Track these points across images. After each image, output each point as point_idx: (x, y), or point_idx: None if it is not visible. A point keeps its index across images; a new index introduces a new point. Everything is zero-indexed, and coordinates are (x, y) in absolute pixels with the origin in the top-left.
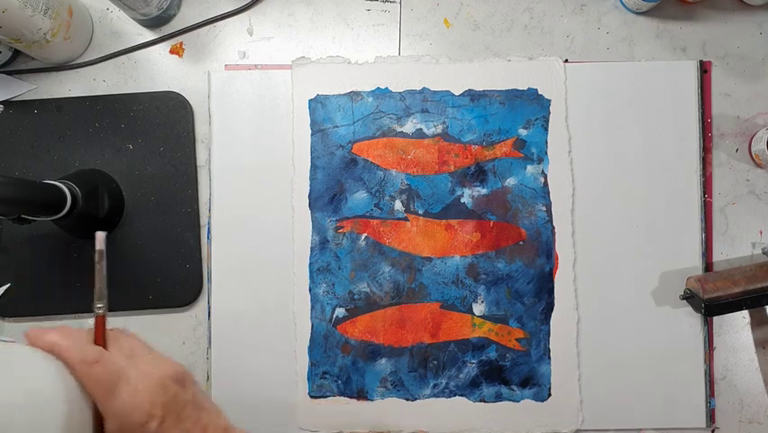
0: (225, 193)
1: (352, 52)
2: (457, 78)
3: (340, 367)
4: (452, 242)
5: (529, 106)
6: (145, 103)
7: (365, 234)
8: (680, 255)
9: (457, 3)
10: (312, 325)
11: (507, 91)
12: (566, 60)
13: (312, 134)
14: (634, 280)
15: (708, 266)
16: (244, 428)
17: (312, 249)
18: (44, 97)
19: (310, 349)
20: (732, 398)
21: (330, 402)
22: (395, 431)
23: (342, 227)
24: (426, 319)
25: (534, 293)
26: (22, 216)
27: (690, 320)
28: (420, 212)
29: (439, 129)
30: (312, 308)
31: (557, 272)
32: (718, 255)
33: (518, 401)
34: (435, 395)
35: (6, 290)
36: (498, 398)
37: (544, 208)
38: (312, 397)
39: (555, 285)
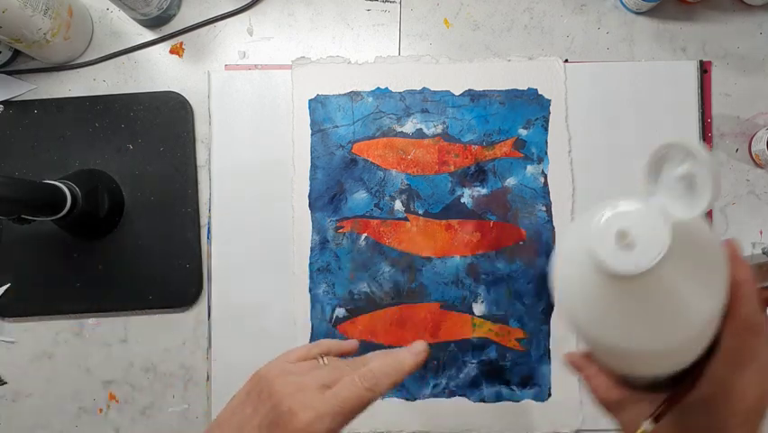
0: (225, 193)
1: (352, 52)
2: (457, 78)
3: None
4: (452, 242)
5: (529, 106)
6: (145, 103)
7: (365, 235)
8: None
9: (457, 3)
10: (312, 325)
11: (507, 91)
12: (566, 60)
13: (312, 134)
14: None
15: None
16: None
17: (312, 249)
18: (44, 97)
19: None
20: None
21: None
22: (395, 431)
23: (342, 227)
24: (426, 319)
25: (534, 293)
26: (22, 216)
27: None
28: (420, 212)
29: (439, 129)
30: (312, 308)
31: None
32: None
33: (518, 401)
34: (435, 395)
35: (6, 290)
36: (499, 398)
37: (543, 208)
38: None
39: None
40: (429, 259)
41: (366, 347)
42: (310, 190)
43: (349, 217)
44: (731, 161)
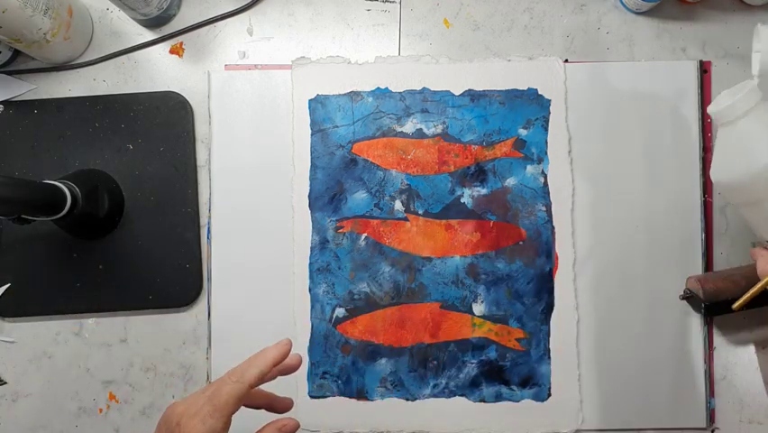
0: (225, 193)
1: (352, 52)
2: (457, 78)
3: (340, 367)
4: (452, 242)
5: (529, 106)
6: (145, 103)
7: (365, 234)
8: (680, 255)
9: (457, 3)
10: (312, 325)
11: (507, 91)
12: (566, 60)
13: (312, 134)
14: (633, 280)
15: (708, 266)
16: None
17: (312, 249)
18: (44, 97)
19: (310, 349)
20: (732, 398)
21: (330, 402)
22: (395, 431)
23: (342, 227)
24: (426, 319)
25: (534, 293)
26: (22, 216)
27: (690, 320)
28: (420, 212)
29: (439, 129)
30: (312, 308)
31: (557, 272)
32: (718, 255)
33: (518, 401)
34: (435, 395)
35: (6, 290)
36: (498, 398)
37: (543, 208)
38: (312, 397)
39: (555, 285)
40: (429, 259)
41: (366, 347)
42: (310, 190)
43: (349, 217)
44: None
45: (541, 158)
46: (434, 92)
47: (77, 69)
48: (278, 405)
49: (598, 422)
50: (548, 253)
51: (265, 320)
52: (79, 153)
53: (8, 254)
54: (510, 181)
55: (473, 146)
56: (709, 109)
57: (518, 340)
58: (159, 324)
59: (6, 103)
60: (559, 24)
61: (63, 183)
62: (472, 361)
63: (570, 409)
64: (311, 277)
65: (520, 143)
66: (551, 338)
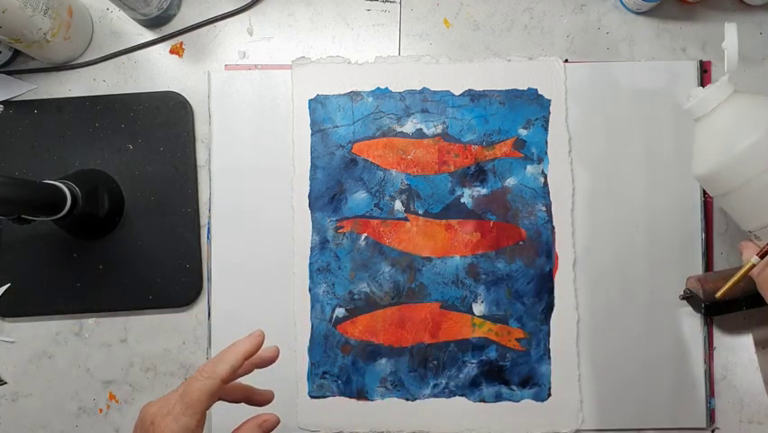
0: (225, 193)
1: (352, 52)
2: (457, 78)
3: (340, 367)
4: (452, 242)
5: (529, 106)
6: (145, 103)
7: (365, 234)
8: (680, 255)
9: (457, 3)
10: (312, 325)
11: (507, 91)
12: (566, 60)
13: (312, 134)
14: (633, 280)
15: (708, 266)
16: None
17: (312, 249)
18: (44, 97)
19: (310, 349)
20: (732, 398)
21: (330, 402)
22: (395, 431)
23: (342, 227)
24: (426, 319)
25: (534, 293)
26: (22, 216)
27: (690, 320)
28: (420, 212)
29: (439, 129)
30: (312, 308)
31: (557, 272)
32: (718, 255)
33: (518, 401)
34: (435, 395)
35: (6, 290)
36: (498, 398)
37: (543, 208)
38: (312, 397)
39: (555, 285)
40: (429, 259)
41: (366, 347)
42: (310, 190)
43: (349, 217)
44: None
45: (541, 158)
46: (434, 92)
47: (77, 69)
48: (257, 398)
49: (598, 422)
50: (548, 253)
51: (265, 320)
52: (79, 153)
53: (8, 254)
54: (510, 181)
55: (473, 146)
56: (684, 106)
57: (518, 340)
58: (159, 324)
59: (6, 103)
60: (559, 24)
61: (63, 183)
62: (472, 361)
63: (570, 409)
64: (311, 277)
65: (520, 143)
66: (551, 338)
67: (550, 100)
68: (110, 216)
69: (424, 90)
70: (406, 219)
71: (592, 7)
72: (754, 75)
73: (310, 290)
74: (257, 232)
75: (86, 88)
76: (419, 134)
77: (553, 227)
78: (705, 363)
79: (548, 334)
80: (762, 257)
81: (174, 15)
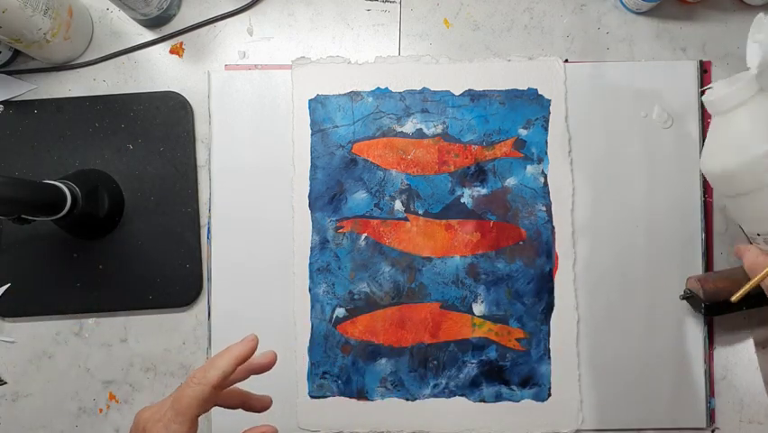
0: (225, 193)
1: (352, 52)
2: (457, 78)
3: (340, 367)
4: (452, 242)
5: (529, 106)
6: (145, 103)
7: (365, 234)
8: (680, 255)
9: (457, 3)
10: (312, 325)
11: (507, 91)
12: (566, 60)
13: (312, 134)
14: (634, 280)
15: (708, 266)
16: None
17: (312, 249)
18: (44, 97)
19: (310, 349)
20: (732, 398)
21: (330, 402)
22: (395, 431)
23: (342, 227)
24: (426, 319)
25: (534, 293)
26: (22, 216)
27: (690, 320)
28: (420, 212)
29: (439, 129)
30: (312, 308)
31: (557, 272)
32: (718, 255)
33: (518, 401)
34: (435, 395)
35: (6, 290)
36: (498, 398)
37: (543, 208)
38: (312, 397)
39: (555, 285)
40: (429, 259)
41: (366, 347)
42: (310, 190)
43: (349, 217)
44: None
45: (541, 158)
46: (434, 92)
47: (77, 69)
48: (254, 404)
49: (598, 422)
50: (548, 253)
51: (265, 320)
52: (79, 153)
53: (8, 254)
54: (510, 181)
55: (473, 146)
56: (704, 98)
57: (518, 340)
58: (159, 324)
59: (6, 103)
60: (559, 24)
61: (63, 183)
62: (472, 361)
63: (570, 409)
64: (311, 277)
65: (520, 143)
66: (551, 338)
67: (550, 100)
68: (110, 216)
69: (424, 90)
70: (406, 219)
71: (592, 7)
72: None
73: (310, 290)
74: (257, 232)
75: (86, 88)
76: (419, 134)
77: (553, 227)
78: (705, 363)
79: (548, 334)
80: None
81: (174, 15)
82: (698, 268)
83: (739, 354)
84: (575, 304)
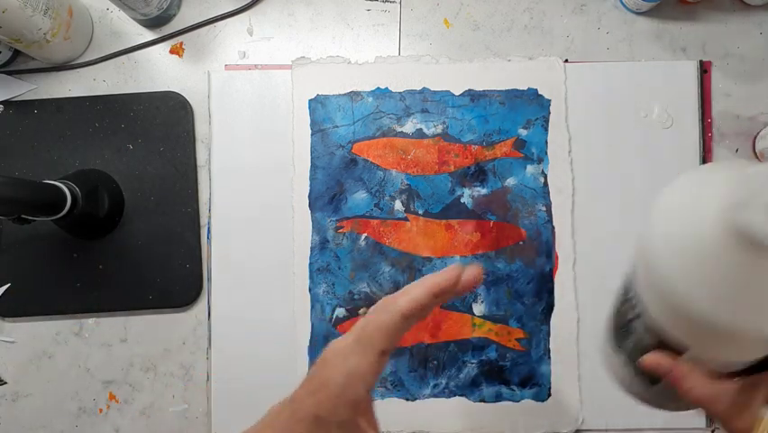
0: (225, 193)
1: (352, 52)
2: (457, 78)
3: None
4: (452, 242)
5: (529, 106)
6: (145, 103)
7: (365, 235)
8: None
9: (457, 3)
10: (312, 325)
11: (507, 91)
12: (566, 60)
13: (312, 134)
14: None
15: None
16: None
17: (312, 249)
18: (44, 97)
19: (310, 349)
20: None
21: None
22: (395, 431)
23: (342, 227)
24: (426, 319)
25: (534, 293)
26: (22, 216)
27: None
28: (420, 212)
29: (439, 129)
30: (312, 308)
31: (557, 272)
32: None
33: (518, 401)
34: (435, 395)
35: (6, 290)
36: (498, 398)
37: (543, 208)
38: None
39: (555, 285)
40: (429, 259)
41: None
42: (310, 190)
43: (349, 217)
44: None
45: (541, 158)
46: (434, 92)
47: (77, 69)
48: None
49: (598, 422)
50: (548, 253)
51: (265, 320)
52: (79, 153)
53: (8, 254)
54: (510, 181)
55: (473, 146)
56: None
57: (518, 340)
58: (159, 324)
59: (6, 103)
60: (559, 24)
61: (63, 183)
62: (472, 361)
63: (570, 409)
64: (311, 277)
65: (520, 143)
66: (551, 338)
67: (550, 100)
68: (110, 216)
69: (424, 90)
70: (406, 219)
71: (592, 7)
72: (755, 75)
73: (310, 290)
74: (257, 232)
75: (86, 88)
76: (419, 134)
77: (553, 227)
78: None
79: (548, 334)
80: None
81: (174, 15)
82: None
83: None
84: (575, 304)
